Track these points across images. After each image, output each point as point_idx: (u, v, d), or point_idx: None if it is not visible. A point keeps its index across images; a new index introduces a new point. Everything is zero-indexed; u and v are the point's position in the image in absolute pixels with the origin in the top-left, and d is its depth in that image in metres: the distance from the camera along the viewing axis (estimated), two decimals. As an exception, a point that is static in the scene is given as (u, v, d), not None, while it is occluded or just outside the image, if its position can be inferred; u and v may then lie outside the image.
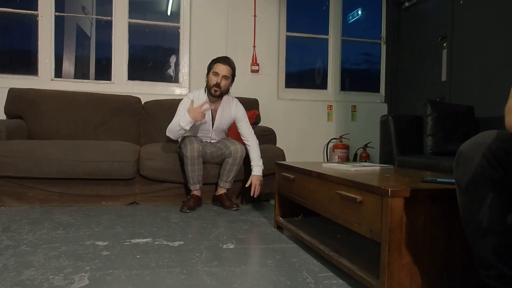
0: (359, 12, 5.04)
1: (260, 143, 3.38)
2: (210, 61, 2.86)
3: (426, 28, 4.10)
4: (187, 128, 2.66)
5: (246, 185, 2.86)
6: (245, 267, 1.65)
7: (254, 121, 3.61)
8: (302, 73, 4.94)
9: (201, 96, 2.84)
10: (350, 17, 5.07)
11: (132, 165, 2.86)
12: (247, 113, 3.60)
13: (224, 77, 2.76)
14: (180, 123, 2.64)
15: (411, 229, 1.25)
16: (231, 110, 2.90)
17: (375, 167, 1.95)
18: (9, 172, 2.70)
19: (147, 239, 2.02)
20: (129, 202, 2.94)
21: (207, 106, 2.72)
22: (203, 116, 2.70)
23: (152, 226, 2.31)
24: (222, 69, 2.76)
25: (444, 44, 3.74)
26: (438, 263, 1.29)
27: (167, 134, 2.77)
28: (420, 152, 2.93)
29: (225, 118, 2.91)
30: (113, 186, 2.91)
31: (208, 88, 2.81)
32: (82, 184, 2.85)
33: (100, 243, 1.93)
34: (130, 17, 3.99)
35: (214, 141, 2.99)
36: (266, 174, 3.17)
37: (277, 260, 1.74)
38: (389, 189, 1.22)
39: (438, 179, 1.43)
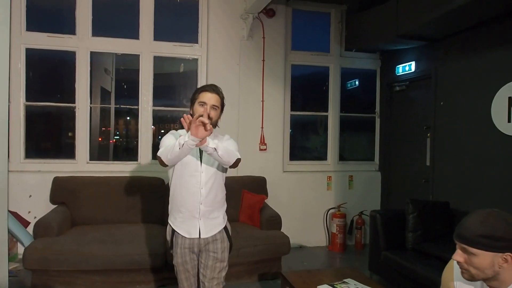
0: (357, 83, 5.61)
1: (266, 229, 3.96)
2: None
3: (413, 114, 4.65)
4: (186, 146, 2.01)
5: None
6: None
7: (262, 206, 4.14)
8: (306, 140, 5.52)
9: (185, 133, 2.14)
10: (348, 85, 5.63)
11: (161, 257, 3.45)
12: (255, 196, 4.20)
13: (213, 107, 2.21)
14: (176, 146, 2.05)
15: None
16: (222, 141, 2.25)
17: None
18: (62, 267, 3.30)
19: None
20: (159, 285, 3.54)
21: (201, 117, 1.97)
22: (204, 128, 1.97)
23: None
24: (210, 98, 2.21)
25: (428, 134, 4.28)
26: None
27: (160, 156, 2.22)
28: (403, 246, 3.46)
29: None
30: (146, 272, 3.50)
31: None
32: (120, 272, 3.45)
33: None
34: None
35: (205, 195, 2.28)
36: (268, 258, 3.73)
37: None
38: None
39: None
